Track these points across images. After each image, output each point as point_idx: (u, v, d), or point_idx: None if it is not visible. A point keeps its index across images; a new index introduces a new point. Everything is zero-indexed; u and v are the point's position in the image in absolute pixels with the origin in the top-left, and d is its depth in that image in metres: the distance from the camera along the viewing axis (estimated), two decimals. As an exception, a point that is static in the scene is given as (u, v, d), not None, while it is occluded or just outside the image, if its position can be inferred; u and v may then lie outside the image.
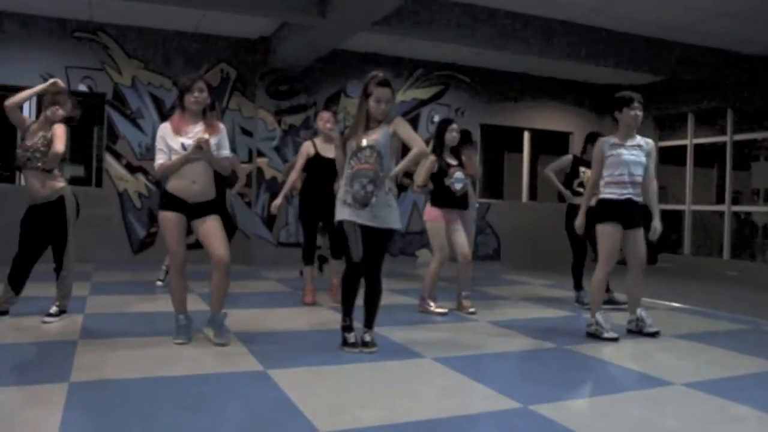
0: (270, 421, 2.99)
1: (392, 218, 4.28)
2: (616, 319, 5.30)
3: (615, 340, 4.83)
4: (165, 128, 4.32)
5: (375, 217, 4.19)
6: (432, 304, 5.88)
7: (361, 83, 4.33)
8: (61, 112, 4.83)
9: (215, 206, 4.41)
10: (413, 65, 10.79)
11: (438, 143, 5.90)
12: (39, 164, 4.75)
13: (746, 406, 3.34)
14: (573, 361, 4.34)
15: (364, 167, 4.19)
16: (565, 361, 4.34)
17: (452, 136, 5.87)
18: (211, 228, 4.30)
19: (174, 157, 4.23)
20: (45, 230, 4.85)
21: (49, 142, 4.75)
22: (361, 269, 4.29)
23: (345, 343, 4.33)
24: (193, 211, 4.29)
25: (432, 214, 5.84)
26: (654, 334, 5.00)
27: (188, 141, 4.21)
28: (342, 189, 4.28)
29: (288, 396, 3.30)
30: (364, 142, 4.20)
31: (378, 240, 4.27)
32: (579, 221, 5.12)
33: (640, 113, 4.91)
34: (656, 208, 5.03)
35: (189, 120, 4.32)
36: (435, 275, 5.88)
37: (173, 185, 4.27)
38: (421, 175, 5.86)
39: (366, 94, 4.23)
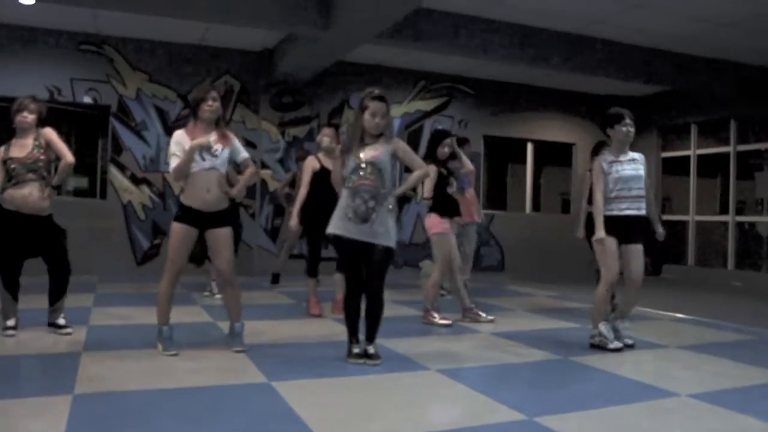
0: (274, 433, 2.99)
1: (389, 237, 4.28)
2: (633, 331, 5.22)
3: (620, 350, 4.84)
4: (181, 134, 4.38)
5: (373, 233, 4.22)
6: (436, 315, 5.87)
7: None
8: (31, 117, 4.81)
9: (229, 216, 4.50)
10: (416, 77, 10.82)
11: (430, 154, 5.95)
12: (44, 174, 4.77)
13: (752, 417, 3.32)
14: (578, 372, 4.33)
15: (365, 183, 4.23)
16: (570, 372, 4.33)
17: (443, 151, 5.90)
18: (220, 241, 4.42)
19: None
20: (32, 241, 4.78)
21: (45, 150, 4.80)
22: (360, 287, 4.34)
23: (350, 353, 4.35)
24: (208, 221, 4.37)
25: (442, 226, 5.84)
26: (630, 347, 4.97)
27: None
28: (343, 202, 4.31)
29: (292, 408, 3.29)
30: (364, 158, 4.25)
31: (377, 257, 4.28)
32: (597, 234, 4.89)
33: (631, 129, 4.92)
34: (656, 217, 5.27)
35: (203, 130, 4.39)
36: (437, 286, 5.89)
37: (188, 196, 4.35)
38: (427, 187, 5.91)
39: (362, 108, 4.31)
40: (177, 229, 4.34)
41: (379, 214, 4.22)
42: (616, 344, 4.86)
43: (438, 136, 6.03)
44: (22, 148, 4.79)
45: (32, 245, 4.80)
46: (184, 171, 4.30)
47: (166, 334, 4.37)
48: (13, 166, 4.72)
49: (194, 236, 4.39)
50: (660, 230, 5.27)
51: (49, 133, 4.92)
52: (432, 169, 5.78)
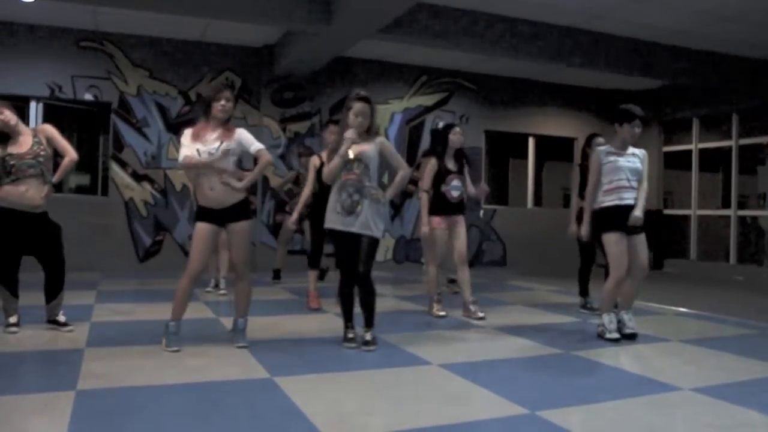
0: (277, 429, 2.99)
1: (374, 228, 4.52)
2: (637, 325, 5.22)
3: (616, 341, 4.96)
4: (186, 133, 4.46)
5: (358, 224, 4.47)
6: (435, 306, 6.00)
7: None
8: (9, 112, 4.72)
9: (246, 210, 4.53)
10: (418, 72, 10.80)
11: (442, 146, 5.99)
12: (44, 170, 4.75)
13: (755, 411, 3.32)
14: (580, 366, 4.34)
15: (351, 177, 4.49)
16: (571, 366, 4.34)
17: (456, 138, 5.94)
18: (235, 235, 4.48)
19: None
20: (27, 239, 4.76)
21: (45, 146, 4.79)
22: (352, 277, 4.60)
23: (345, 338, 4.63)
24: (225, 216, 4.42)
25: (434, 223, 5.91)
26: (631, 337, 5.05)
27: (202, 147, 4.34)
28: (332, 197, 4.57)
29: (294, 403, 3.30)
30: (352, 155, 4.47)
31: (362, 246, 4.53)
32: (585, 230, 5.18)
33: (639, 130, 5.02)
34: (641, 202, 5.02)
35: (210, 128, 4.43)
36: (436, 279, 6.02)
37: (198, 196, 4.46)
38: (426, 180, 5.99)
39: (347, 108, 4.55)
40: (196, 227, 4.42)
41: (364, 207, 4.47)
42: (614, 335, 5.00)
43: (447, 127, 6.10)
44: (20, 145, 4.75)
45: (27, 242, 4.78)
46: (190, 169, 4.43)
47: (172, 329, 4.39)
48: (12, 162, 4.66)
49: (214, 233, 4.44)
50: (636, 212, 4.91)
51: (48, 129, 4.91)
52: (431, 163, 5.96)
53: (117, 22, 8.68)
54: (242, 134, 4.52)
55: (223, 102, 4.39)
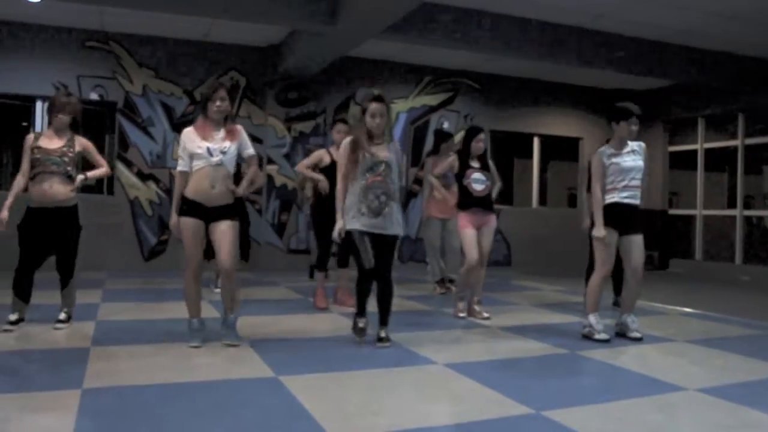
0: (281, 428, 3.00)
1: (399, 226, 4.66)
2: (641, 325, 5.23)
3: (607, 341, 4.92)
4: (188, 133, 4.44)
5: (390, 225, 4.57)
6: (459, 305, 6.01)
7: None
8: (66, 118, 4.86)
9: (233, 210, 4.51)
10: (422, 72, 10.79)
11: (464, 150, 6.02)
12: (69, 168, 4.80)
13: (760, 412, 3.31)
14: (585, 366, 4.34)
15: (377, 179, 4.54)
16: (577, 366, 4.34)
17: (478, 145, 5.95)
18: (223, 233, 4.42)
19: (196, 162, 4.36)
20: (53, 235, 4.82)
21: (76, 152, 4.87)
22: (372, 275, 4.63)
23: (354, 327, 4.72)
24: (211, 214, 4.40)
25: (461, 221, 5.88)
26: (637, 340, 5.02)
27: (213, 145, 4.36)
28: (354, 199, 4.57)
29: (299, 402, 3.30)
30: (380, 157, 4.56)
31: (387, 245, 4.63)
32: (598, 231, 5.00)
33: (636, 128, 5.01)
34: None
35: (212, 127, 4.44)
36: (466, 280, 5.96)
37: (192, 189, 4.38)
38: (442, 168, 6.21)
39: (363, 111, 4.64)
40: (185, 223, 4.38)
41: (392, 208, 4.56)
42: (602, 336, 4.96)
43: (470, 132, 6.07)
44: (52, 141, 4.83)
45: (53, 239, 4.83)
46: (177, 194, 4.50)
47: (193, 326, 4.47)
48: (38, 156, 4.73)
49: (203, 228, 4.42)
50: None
51: (86, 143, 5.00)
52: (452, 158, 6.28)
53: (122, 22, 8.70)
54: (243, 135, 4.56)
55: (218, 103, 4.39)
